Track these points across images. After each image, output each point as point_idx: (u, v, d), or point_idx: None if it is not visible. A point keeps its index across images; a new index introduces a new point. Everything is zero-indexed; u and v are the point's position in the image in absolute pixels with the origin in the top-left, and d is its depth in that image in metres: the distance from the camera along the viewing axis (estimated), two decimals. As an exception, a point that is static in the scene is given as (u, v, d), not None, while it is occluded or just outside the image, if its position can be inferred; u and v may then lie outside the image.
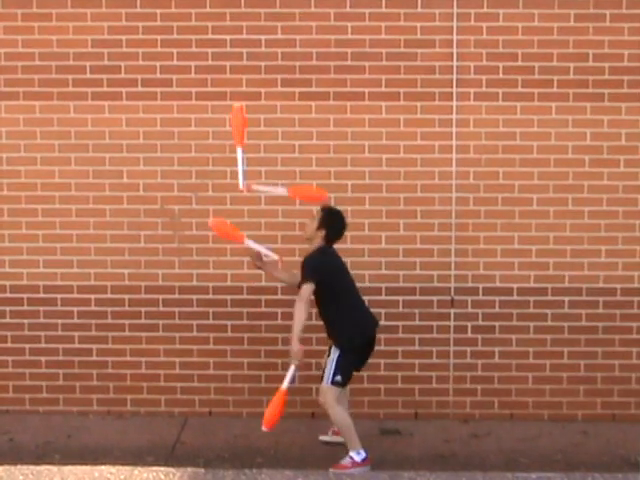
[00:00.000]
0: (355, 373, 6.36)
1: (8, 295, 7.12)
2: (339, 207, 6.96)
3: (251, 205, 7.03)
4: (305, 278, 6.07)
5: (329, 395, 6.13)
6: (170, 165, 7.02)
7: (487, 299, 7.05)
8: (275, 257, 6.43)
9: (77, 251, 7.08)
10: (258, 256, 6.43)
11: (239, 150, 6.16)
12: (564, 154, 6.99)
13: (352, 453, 6.10)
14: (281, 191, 6.43)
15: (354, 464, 6.07)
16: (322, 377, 6.21)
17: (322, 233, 6.23)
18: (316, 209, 6.33)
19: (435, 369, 7.11)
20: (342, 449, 6.33)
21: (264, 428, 6.05)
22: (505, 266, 7.03)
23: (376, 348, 7.01)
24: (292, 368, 6.06)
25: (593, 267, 7.03)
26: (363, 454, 6.11)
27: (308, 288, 6.03)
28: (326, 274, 6.11)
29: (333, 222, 6.27)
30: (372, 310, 6.99)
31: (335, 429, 6.44)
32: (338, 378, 6.13)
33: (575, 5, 6.89)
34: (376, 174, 7.02)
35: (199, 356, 7.10)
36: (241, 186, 6.22)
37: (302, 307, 6.01)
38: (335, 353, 6.17)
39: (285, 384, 6.04)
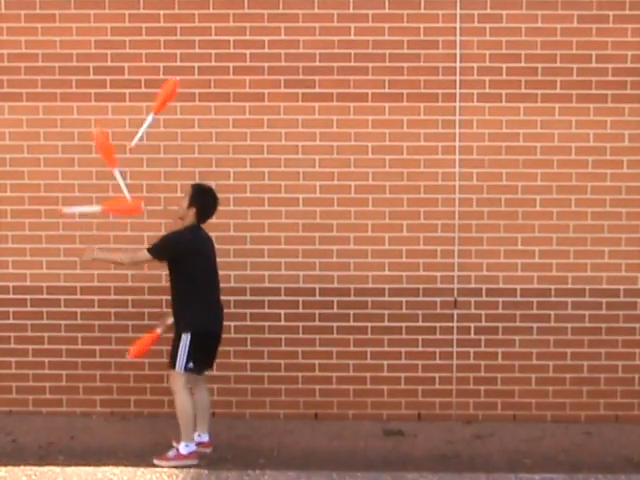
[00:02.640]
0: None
1: (11, 296, 7.13)
2: (341, 208, 7.02)
3: (254, 206, 7.02)
4: (153, 249, 6.05)
5: (178, 380, 6.12)
6: (173, 166, 7.03)
7: (490, 300, 7.05)
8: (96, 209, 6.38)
9: (80, 252, 7.03)
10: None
11: (152, 116, 6.12)
12: (567, 155, 6.99)
13: (182, 444, 6.15)
14: (95, 208, 6.40)
15: (178, 457, 6.12)
16: (172, 362, 6.13)
17: (193, 211, 6.13)
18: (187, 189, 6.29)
19: (438, 370, 7.11)
20: (345, 449, 6.35)
21: (129, 356, 6.35)
22: (508, 267, 7.04)
23: (379, 349, 7.08)
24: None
25: (596, 268, 7.03)
26: (192, 447, 6.15)
27: (145, 257, 6.06)
28: (180, 254, 6.03)
29: (203, 199, 6.16)
30: (376, 311, 7.05)
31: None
32: (191, 365, 6.10)
33: (578, 6, 6.90)
34: (379, 175, 7.02)
35: (202, 357, 7.10)
36: (133, 143, 6.20)
37: (127, 257, 6.16)
38: (186, 339, 6.07)
39: (159, 330, 6.33)
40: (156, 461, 6.12)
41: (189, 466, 6.06)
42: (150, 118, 6.11)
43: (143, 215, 7.01)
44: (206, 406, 6.39)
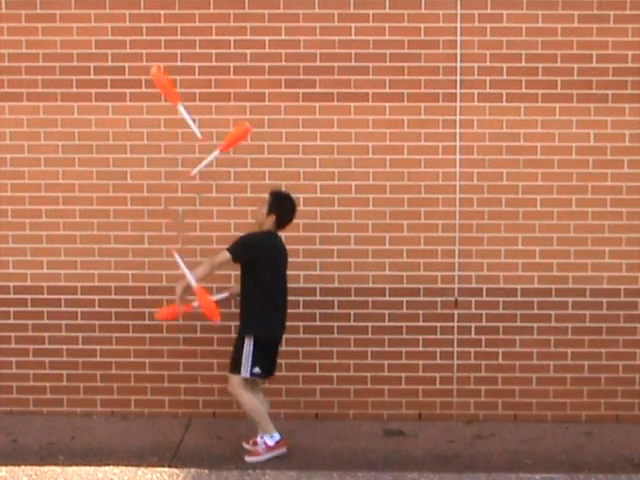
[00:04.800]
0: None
1: (12, 296, 7.13)
2: (342, 208, 7.02)
3: (255, 206, 6.99)
4: (233, 250, 6.05)
5: (236, 383, 6.18)
6: (174, 166, 7.02)
7: (491, 300, 7.05)
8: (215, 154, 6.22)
9: (81, 252, 7.09)
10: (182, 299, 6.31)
11: (217, 152, 6.19)
12: (568, 155, 6.99)
13: (265, 437, 6.22)
14: (216, 154, 6.26)
15: (267, 448, 6.21)
16: (233, 366, 6.20)
17: (272, 218, 6.20)
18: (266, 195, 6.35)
19: (439, 370, 7.11)
20: (346, 449, 6.37)
21: (157, 316, 6.41)
22: (509, 267, 7.03)
23: (380, 349, 7.09)
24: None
25: (597, 268, 7.03)
26: (277, 436, 6.24)
27: (225, 257, 6.03)
28: (257, 256, 6.07)
29: (282, 206, 6.24)
30: (376, 311, 7.06)
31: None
32: (257, 370, 6.16)
33: (579, 6, 6.89)
34: (380, 175, 7.02)
35: (203, 357, 7.10)
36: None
37: (208, 265, 6.09)
38: (249, 345, 6.13)
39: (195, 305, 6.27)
40: (248, 458, 6.21)
41: (281, 455, 6.19)
42: (215, 153, 6.18)
43: (144, 215, 7.03)
44: (265, 407, 6.42)
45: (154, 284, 7.08)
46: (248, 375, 6.15)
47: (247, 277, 6.17)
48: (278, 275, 6.26)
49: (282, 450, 6.23)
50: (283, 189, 6.56)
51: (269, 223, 6.23)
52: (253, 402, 6.21)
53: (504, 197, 7.01)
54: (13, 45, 6.99)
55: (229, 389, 6.30)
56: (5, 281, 7.13)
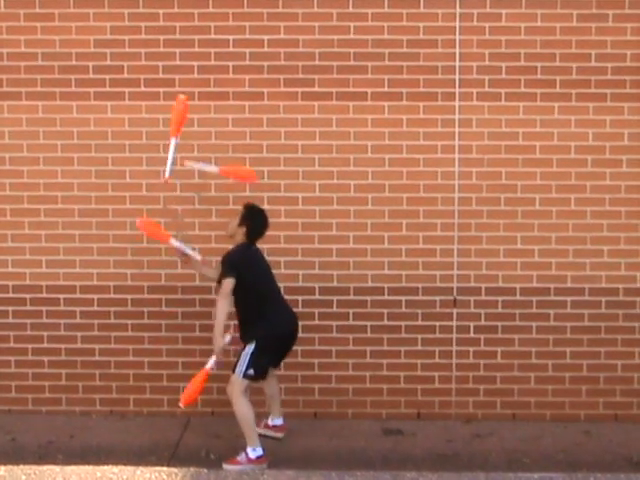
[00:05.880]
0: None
1: (11, 295, 7.13)
2: (341, 207, 7.02)
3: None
4: (224, 274, 6.15)
5: (237, 386, 6.17)
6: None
7: (490, 299, 7.05)
8: (198, 257, 6.48)
9: (80, 251, 7.09)
10: (182, 254, 6.50)
11: (173, 140, 6.24)
12: (567, 154, 6.99)
13: (248, 449, 6.14)
14: (213, 169, 6.44)
15: (248, 460, 6.11)
16: (234, 368, 6.22)
17: (243, 230, 6.26)
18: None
19: (438, 369, 7.11)
20: (344, 448, 6.36)
21: (181, 405, 6.22)
22: (508, 266, 7.03)
23: (378, 348, 7.08)
24: (213, 358, 6.21)
25: (595, 267, 7.03)
26: (259, 452, 6.14)
27: (229, 283, 6.10)
28: (243, 269, 6.15)
29: (254, 219, 6.30)
30: (375, 310, 7.05)
31: (268, 422, 6.54)
32: (250, 372, 6.18)
33: (578, 5, 6.89)
34: (379, 174, 7.02)
35: (201, 356, 7.07)
36: (167, 174, 6.29)
37: (224, 303, 6.14)
38: (250, 347, 6.18)
39: (207, 366, 6.21)
40: (225, 465, 6.10)
41: (259, 470, 6.00)
42: (173, 143, 6.23)
43: (143, 214, 7.02)
44: (276, 392, 6.57)
45: (153, 283, 7.08)
46: (240, 377, 6.15)
47: (238, 291, 6.16)
48: (266, 278, 6.34)
49: (262, 465, 6.09)
50: (256, 204, 6.51)
51: (240, 235, 6.28)
52: (245, 411, 6.13)
53: (503, 196, 7.01)
54: (12, 44, 6.98)
55: (228, 391, 6.26)
56: (4, 280, 7.12)
